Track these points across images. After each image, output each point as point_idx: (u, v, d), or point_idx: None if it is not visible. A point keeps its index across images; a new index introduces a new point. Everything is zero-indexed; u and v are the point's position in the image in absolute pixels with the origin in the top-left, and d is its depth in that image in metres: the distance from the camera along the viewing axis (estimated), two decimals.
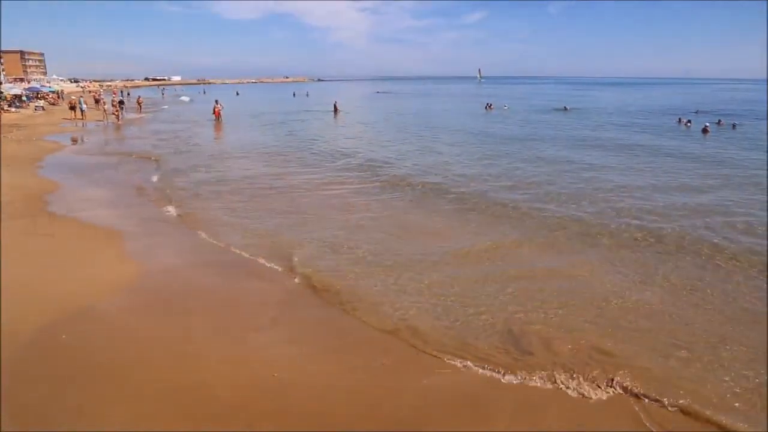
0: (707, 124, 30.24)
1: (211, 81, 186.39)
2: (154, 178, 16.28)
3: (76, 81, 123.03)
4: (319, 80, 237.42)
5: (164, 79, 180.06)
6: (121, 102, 40.79)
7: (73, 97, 40.81)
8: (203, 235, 10.32)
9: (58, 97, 58.36)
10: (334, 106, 46.99)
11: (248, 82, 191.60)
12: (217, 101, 39.09)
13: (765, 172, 17.08)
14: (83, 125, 33.10)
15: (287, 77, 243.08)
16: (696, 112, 43.55)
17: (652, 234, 10.35)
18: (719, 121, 33.82)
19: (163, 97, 76.79)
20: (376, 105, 59.56)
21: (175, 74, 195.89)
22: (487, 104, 52.10)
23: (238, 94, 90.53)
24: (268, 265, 8.66)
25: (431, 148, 23.04)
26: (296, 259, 8.86)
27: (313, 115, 44.97)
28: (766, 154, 20.99)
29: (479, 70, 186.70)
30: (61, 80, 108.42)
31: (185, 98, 71.18)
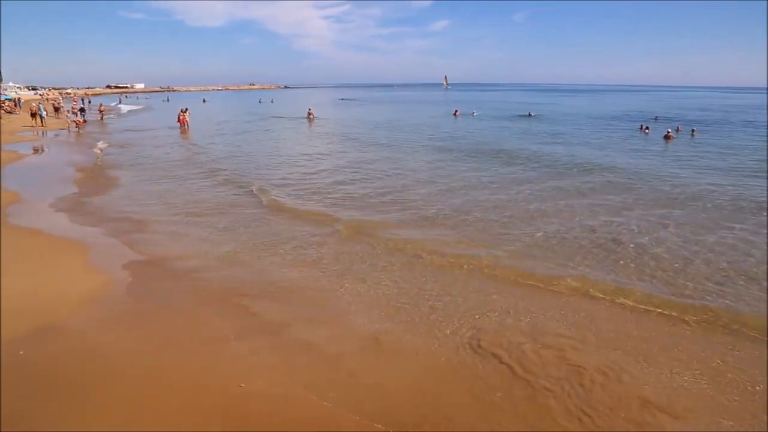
0: (669, 130, 30.75)
1: (175, 89, 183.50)
2: (117, 188, 16.31)
3: (34, 88, 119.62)
4: (285, 87, 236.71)
5: (127, 87, 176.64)
6: (81, 110, 40.23)
7: (33, 104, 39.96)
8: (167, 245, 10.37)
9: (15, 105, 56.89)
10: (309, 112, 47.99)
11: (213, 90, 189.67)
12: (182, 110, 38.78)
13: None
14: (43, 134, 32.56)
15: (253, 84, 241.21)
16: (655, 119, 44.74)
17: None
18: (677, 127, 33.78)
19: (120, 103, 75.66)
20: (336, 114, 59.09)
21: (138, 82, 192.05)
22: (455, 110, 54.28)
23: (204, 101, 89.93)
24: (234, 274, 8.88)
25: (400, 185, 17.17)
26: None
27: (279, 122, 45.10)
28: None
29: (445, 77, 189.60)
30: (18, 87, 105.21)
31: (123, 107, 68.34)
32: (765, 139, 31.08)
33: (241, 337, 6.51)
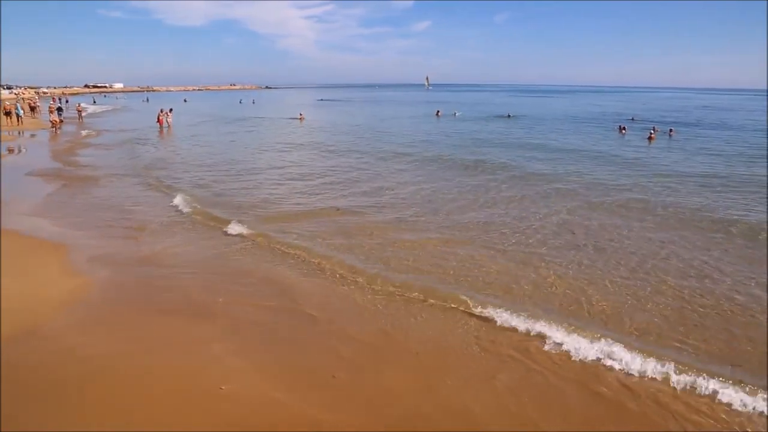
0: (651, 132, 31.34)
1: (155, 88, 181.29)
2: (95, 188, 16.32)
3: (9, 87, 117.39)
4: (267, 87, 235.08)
5: (105, 86, 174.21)
6: (59, 109, 39.72)
7: (8, 103, 39.37)
8: (146, 247, 10.34)
9: None
10: (300, 115, 48.64)
11: (193, 90, 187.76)
12: (162, 110, 38.58)
13: None
14: (20, 133, 32.17)
15: (233, 84, 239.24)
16: (632, 119, 45.70)
17: None
18: (653, 128, 33.57)
19: (94, 103, 74.54)
20: (314, 116, 58.37)
21: (117, 81, 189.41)
22: (437, 111, 55.91)
23: (186, 101, 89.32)
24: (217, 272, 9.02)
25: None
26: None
27: (258, 124, 45.03)
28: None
29: (427, 77, 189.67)
30: None
31: (90, 108, 67.21)
32: (740, 140, 32.09)
33: (223, 338, 6.52)
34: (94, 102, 79.44)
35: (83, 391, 5.35)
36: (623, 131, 34.94)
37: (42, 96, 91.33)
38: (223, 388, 5.41)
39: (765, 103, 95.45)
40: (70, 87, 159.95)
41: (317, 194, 15.46)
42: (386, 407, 5.28)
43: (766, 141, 30.90)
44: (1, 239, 10.17)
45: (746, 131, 38.10)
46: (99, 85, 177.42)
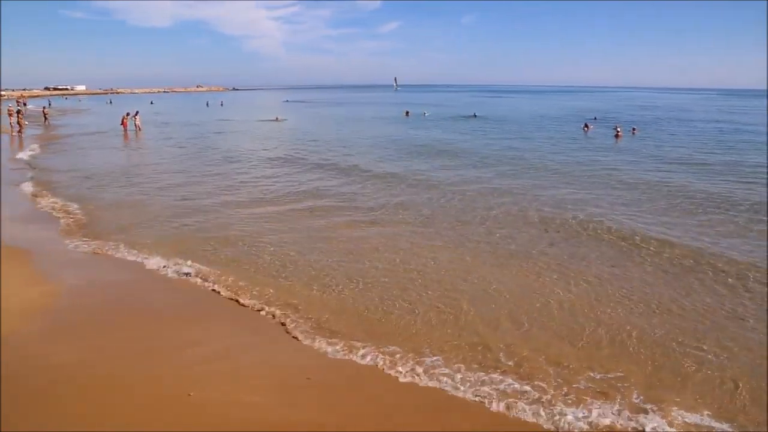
0: (618, 130, 32.47)
1: (119, 91, 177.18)
2: (62, 193, 16.19)
3: None
4: (234, 89, 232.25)
5: (67, 89, 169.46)
6: (19, 112, 38.77)
7: None
8: (119, 251, 10.24)
9: None
10: (276, 117, 48.67)
11: (159, 92, 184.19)
12: (128, 113, 37.89)
13: None
14: None
15: (200, 86, 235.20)
16: (594, 119, 46.90)
17: None
18: (616, 126, 34.38)
19: (49, 105, 72.59)
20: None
21: (80, 83, 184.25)
22: (406, 111, 57.34)
23: (152, 103, 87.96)
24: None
25: None
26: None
27: (226, 126, 44.78)
28: None
29: (395, 78, 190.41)
30: None
31: (24, 107, 65.15)
32: (700, 135, 34.04)
33: (192, 344, 6.44)
34: (50, 105, 77.13)
35: (51, 398, 5.29)
36: (587, 129, 36.30)
37: (2, 99, 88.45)
38: (191, 394, 5.32)
39: (722, 102, 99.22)
40: (29, 90, 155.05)
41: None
42: (361, 407, 5.28)
43: (716, 135, 33.28)
44: (1, 246, 10.00)
45: (704, 128, 39.99)
46: (60, 87, 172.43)
